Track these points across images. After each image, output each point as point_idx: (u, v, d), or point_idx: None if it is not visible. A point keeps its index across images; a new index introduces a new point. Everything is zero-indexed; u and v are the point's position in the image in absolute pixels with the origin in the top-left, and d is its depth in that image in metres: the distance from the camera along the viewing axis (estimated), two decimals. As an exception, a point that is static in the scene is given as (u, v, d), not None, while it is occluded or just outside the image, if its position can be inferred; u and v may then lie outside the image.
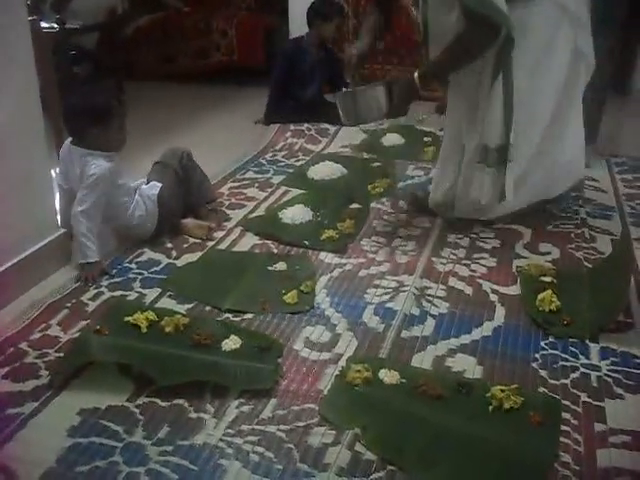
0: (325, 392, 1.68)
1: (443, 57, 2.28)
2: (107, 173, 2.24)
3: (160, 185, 2.46)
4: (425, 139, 3.63)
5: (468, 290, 2.17)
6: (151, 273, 2.25)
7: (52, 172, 2.26)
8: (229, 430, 1.54)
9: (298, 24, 4.19)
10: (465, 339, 1.91)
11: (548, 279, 2.19)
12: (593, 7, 2.88)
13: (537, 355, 1.84)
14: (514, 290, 2.16)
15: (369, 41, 2.86)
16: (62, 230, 2.29)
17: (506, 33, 2.17)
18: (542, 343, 1.89)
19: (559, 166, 2.59)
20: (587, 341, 1.90)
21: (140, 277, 2.22)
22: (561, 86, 2.44)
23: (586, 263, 2.36)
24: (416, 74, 2.28)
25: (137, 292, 2.13)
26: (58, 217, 2.33)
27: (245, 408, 1.62)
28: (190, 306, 2.06)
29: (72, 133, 2.32)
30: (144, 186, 2.46)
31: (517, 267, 2.30)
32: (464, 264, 2.32)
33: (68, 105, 2.38)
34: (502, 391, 1.63)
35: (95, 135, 2.25)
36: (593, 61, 2.48)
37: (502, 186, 2.42)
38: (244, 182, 3.09)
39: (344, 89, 2.56)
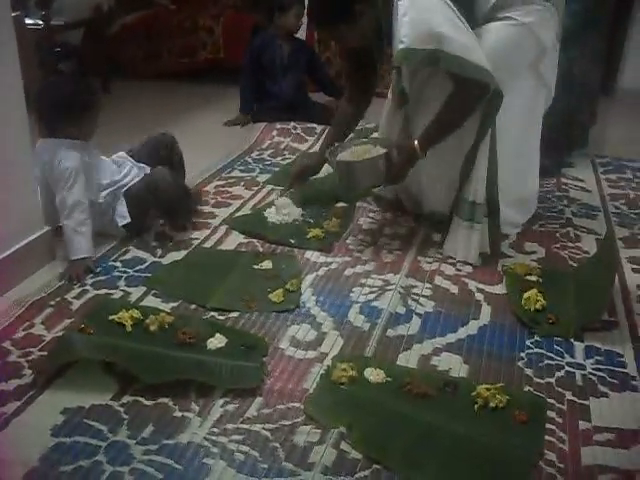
0: (310, 391, 1.67)
1: (438, 124, 2.24)
2: (79, 164, 2.23)
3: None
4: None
5: (454, 289, 2.17)
6: (136, 271, 2.23)
7: (36, 169, 2.24)
8: (214, 429, 1.54)
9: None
10: (451, 338, 1.91)
11: (533, 278, 2.20)
12: (580, 12, 2.92)
13: (522, 354, 1.84)
14: (500, 289, 2.17)
15: (317, 158, 2.81)
16: (46, 227, 2.27)
17: (494, 89, 2.14)
18: (527, 342, 1.90)
19: (520, 202, 2.55)
20: (572, 340, 1.91)
21: (125, 275, 2.20)
22: (524, 117, 2.41)
23: (571, 262, 2.37)
24: (416, 143, 2.24)
25: (122, 290, 2.12)
26: (42, 215, 2.30)
27: (230, 407, 1.61)
28: (175, 304, 2.05)
29: (44, 124, 2.32)
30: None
31: (503, 266, 2.31)
32: (450, 263, 2.33)
33: (40, 95, 2.34)
34: (487, 390, 1.64)
35: (65, 125, 2.26)
36: (553, 90, 2.46)
37: (497, 239, 2.36)
38: (230, 181, 3.08)
39: (339, 153, 2.41)
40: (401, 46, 2.15)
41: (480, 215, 2.29)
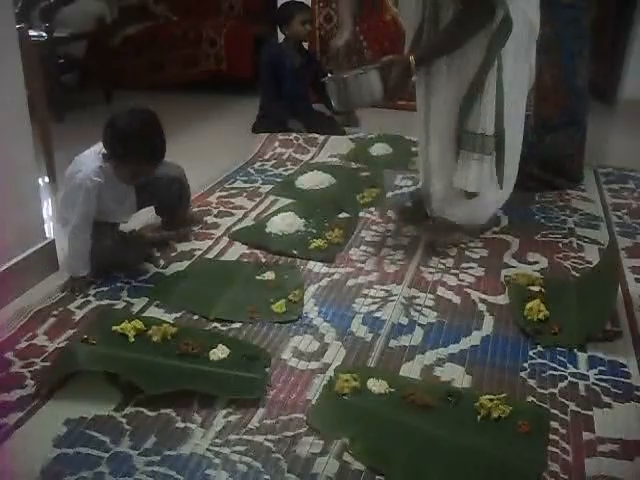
0: (313, 402, 1.67)
1: (439, 39, 2.27)
2: (95, 186, 2.14)
3: None
4: (413, 149, 3.63)
5: (456, 300, 2.17)
6: (139, 282, 2.24)
7: (39, 181, 2.24)
8: (216, 440, 1.54)
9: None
10: (454, 348, 1.91)
11: (536, 288, 2.19)
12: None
13: (525, 364, 1.84)
14: (502, 299, 2.17)
15: (350, 28, 2.75)
16: (49, 239, 2.27)
17: (503, 14, 2.14)
18: (530, 352, 1.89)
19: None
20: (575, 350, 1.90)
21: (127, 286, 2.20)
22: (515, 101, 2.39)
23: (574, 272, 2.36)
24: (411, 57, 2.24)
25: (124, 301, 2.12)
26: (45, 225, 2.31)
27: (233, 418, 1.61)
28: (178, 315, 2.05)
29: (105, 143, 2.16)
30: None
31: (505, 276, 2.31)
32: (452, 273, 2.33)
33: (115, 119, 2.12)
34: (490, 400, 1.63)
35: (110, 154, 2.15)
36: (538, 26, 2.35)
37: (501, 174, 2.40)
38: (232, 191, 3.08)
39: (332, 75, 2.40)
40: None
41: (490, 147, 2.33)
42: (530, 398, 1.71)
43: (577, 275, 2.34)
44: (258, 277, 2.27)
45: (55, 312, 2.04)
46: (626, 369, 1.83)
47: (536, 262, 2.43)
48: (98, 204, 2.18)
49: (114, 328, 1.89)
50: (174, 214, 2.59)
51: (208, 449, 1.51)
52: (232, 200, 2.97)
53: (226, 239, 2.57)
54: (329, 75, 2.43)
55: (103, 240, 2.22)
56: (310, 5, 4.31)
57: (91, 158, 2.19)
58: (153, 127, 2.14)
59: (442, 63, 2.32)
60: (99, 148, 2.18)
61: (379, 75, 2.25)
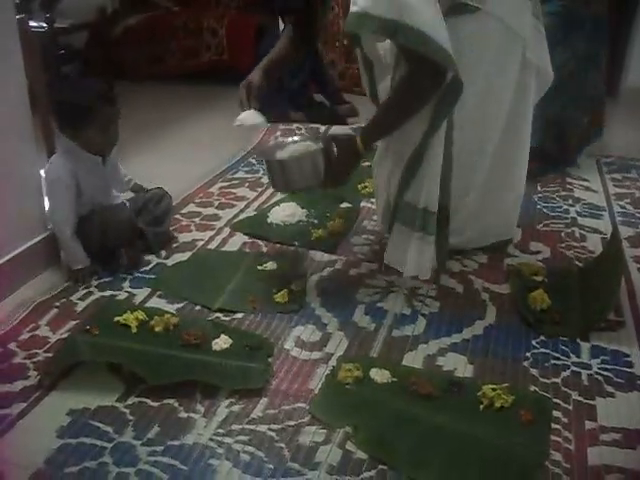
0: (316, 391, 1.67)
1: (385, 113, 1.99)
2: (66, 174, 2.15)
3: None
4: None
5: (459, 289, 2.17)
6: (141, 273, 2.24)
7: (41, 172, 2.24)
8: (219, 430, 1.54)
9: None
10: (456, 338, 1.91)
11: (539, 278, 2.19)
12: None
13: (528, 354, 1.84)
14: (505, 289, 2.16)
15: (265, 67, 2.51)
16: (50, 230, 2.27)
17: (452, 76, 1.86)
18: (533, 342, 1.89)
19: (510, 202, 2.37)
20: (578, 340, 1.90)
21: (130, 277, 2.20)
22: (509, 107, 2.15)
23: (577, 262, 2.36)
24: (359, 138, 1.96)
25: (127, 292, 2.12)
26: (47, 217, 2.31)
27: (235, 408, 1.61)
28: (180, 306, 2.05)
29: (57, 125, 2.22)
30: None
31: (508, 266, 2.30)
32: (455, 259, 2.32)
33: (55, 97, 2.27)
34: (493, 390, 1.63)
35: (73, 133, 2.16)
36: (550, 70, 2.22)
37: (444, 257, 2.15)
38: (234, 182, 3.08)
39: (268, 148, 2.15)
40: (353, 9, 1.81)
41: (433, 225, 2.04)
42: (533, 387, 1.71)
43: (580, 265, 2.34)
44: (260, 267, 2.27)
45: (57, 303, 2.04)
46: (629, 359, 1.83)
47: (539, 252, 2.43)
48: (79, 192, 2.18)
49: (116, 319, 1.89)
50: (159, 229, 2.45)
51: (211, 439, 1.51)
52: (234, 190, 2.97)
53: (227, 229, 2.57)
54: (264, 147, 2.18)
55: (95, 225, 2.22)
56: None
57: (56, 156, 2.22)
58: (85, 81, 2.28)
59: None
60: (63, 141, 2.20)
61: (323, 156, 1.98)
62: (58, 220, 2.18)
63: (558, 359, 1.82)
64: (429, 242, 2.06)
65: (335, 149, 2.00)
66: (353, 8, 1.81)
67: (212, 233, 2.54)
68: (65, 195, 2.16)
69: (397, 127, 1.96)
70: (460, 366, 1.79)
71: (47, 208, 2.24)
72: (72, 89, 2.23)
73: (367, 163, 3.24)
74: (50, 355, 1.79)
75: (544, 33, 2.20)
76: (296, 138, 2.23)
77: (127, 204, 2.37)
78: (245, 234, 2.53)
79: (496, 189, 2.24)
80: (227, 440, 1.51)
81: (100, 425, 1.54)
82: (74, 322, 1.95)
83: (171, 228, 2.51)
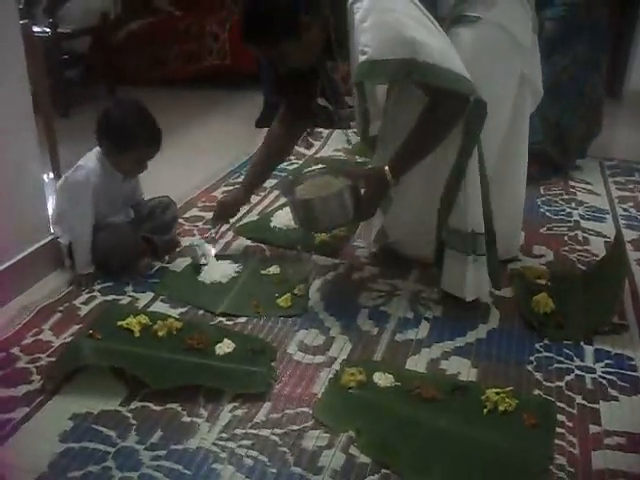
0: (319, 395, 1.67)
1: (413, 143, 1.90)
2: (92, 180, 2.16)
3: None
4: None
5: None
6: (144, 277, 2.23)
7: (44, 176, 2.24)
8: (223, 434, 1.54)
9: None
10: (459, 342, 1.91)
11: (542, 281, 2.19)
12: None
13: (532, 357, 1.84)
14: (508, 293, 2.16)
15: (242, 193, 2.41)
16: (54, 234, 2.27)
17: (475, 99, 1.82)
18: (537, 345, 1.89)
19: (510, 218, 2.30)
20: (581, 343, 1.90)
21: (133, 281, 2.20)
22: (509, 125, 2.11)
23: (580, 265, 2.36)
24: (387, 168, 1.90)
25: (130, 296, 2.12)
26: (50, 221, 2.31)
27: (239, 412, 1.61)
28: (183, 310, 2.05)
29: (97, 134, 2.20)
30: None
31: (511, 270, 2.30)
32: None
33: (111, 110, 2.19)
34: (497, 393, 1.63)
35: (108, 149, 2.18)
36: (541, 88, 2.19)
37: (499, 273, 2.07)
38: (237, 186, 3.06)
39: (296, 188, 2.04)
40: (363, 58, 1.78)
41: (483, 246, 1.98)
42: (536, 391, 1.70)
43: (583, 268, 2.33)
44: (263, 271, 2.27)
45: (60, 308, 2.04)
46: (633, 362, 1.83)
47: (542, 255, 2.43)
48: (96, 205, 2.19)
49: (119, 323, 1.89)
50: (165, 237, 2.43)
51: (214, 443, 1.51)
52: (237, 195, 2.97)
53: (231, 233, 2.57)
54: (285, 183, 2.09)
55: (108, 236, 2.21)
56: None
57: (87, 159, 2.21)
58: (145, 112, 2.19)
59: None
60: (94, 151, 2.22)
61: (350, 193, 1.92)
62: (79, 223, 2.18)
63: (562, 363, 1.82)
64: (482, 263, 2.00)
65: (363, 184, 1.97)
66: (362, 57, 1.78)
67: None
68: (89, 199, 2.17)
69: (425, 156, 1.91)
70: (464, 370, 1.79)
71: (58, 210, 2.23)
72: (130, 112, 2.19)
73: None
74: (53, 359, 1.79)
75: (538, 49, 2.17)
76: (314, 168, 2.13)
77: (132, 213, 2.37)
78: (248, 238, 2.53)
79: (496, 202, 2.10)
80: (230, 444, 1.50)
81: (103, 429, 1.54)
82: (77, 326, 1.95)
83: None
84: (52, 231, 2.28)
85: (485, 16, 1.94)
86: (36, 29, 3.68)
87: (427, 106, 1.86)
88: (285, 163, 3.34)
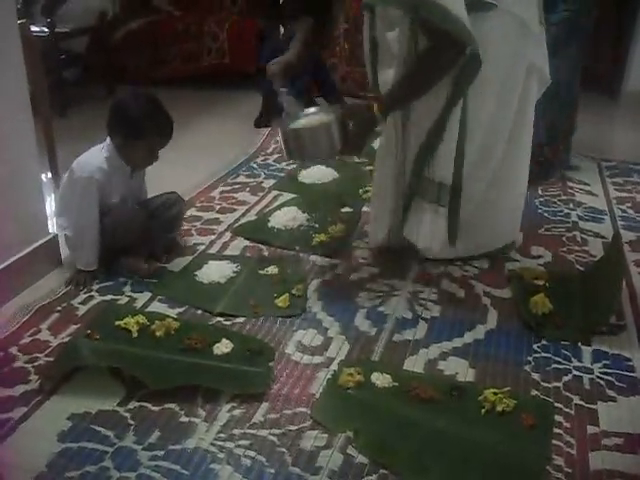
0: (317, 396, 1.67)
1: (405, 83, 1.99)
2: (96, 176, 2.16)
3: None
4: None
5: (460, 293, 2.16)
6: (142, 277, 2.23)
7: (42, 176, 2.24)
8: (221, 434, 1.54)
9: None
10: (457, 342, 1.91)
11: (540, 282, 2.19)
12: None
13: (529, 358, 1.84)
14: (506, 293, 2.16)
15: (298, 51, 2.34)
16: (52, 234, 2.27)
17: (471, 50, 1.91)
18: (534, 346, 1.89)
19: (514, 201, 2.39)
20: (579, 344, 1.90)
21: (130, 281, 2.20)
22: (515, 110, 2.18)
23: (578, 266, 2.36)
24: (376, 106, 1.97)
25: (128, 296, 2.12)
26: (48, 221, 2.31)
27: (237, 412, 1.61)
28: (181, 310, 2.04)
29: (107, 126, 2.21)
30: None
31: (509, 270, 2.30)
32: (456, 267, 2.32)
33: (118, 100, 2.23)
34: (494, 394, 1.64)
35: (120, 141, 2.18)
36: (548, 75, 2.25)
37: (455, 228, 2.17)
38: (235, 186, 3.08)
39: (288, 121, 2.08)
40: None
41: (446, 198, 2.10)
42: (534, 392, 1.70)
43: (581, 269, 2.34)
44: (261, 272, 2.27)
45: (58, 307, 2.04)
46: (631, 363, 1.83)
47: (540, 256, 2.43)
48: (102, 197, 2.19)
49: (117, 323, 1.89)
50: (169, 235, 2.44)
51: (212, 443, 1.51)
52: (235, 195, 2.97)
53: (229, 234, 2.57)
54: (282, 116, 2.16)
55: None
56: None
57: (92, 155, 2.21)
58: (158, 103, 2.23)
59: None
60: (100, 146, 2.21)
61: (338, 126, 1.98)
62: (85, 221, 2.18)
63: (560, 363, 1.82)
64: (442, 214, 2.09)
65: (351, 117, 2.02)
66: None
67: (213, 237, 2.54)
68: (95, 196, 2.17)
69: (414, 98, 2.00)
70: (461, 370, 1.79)
71: (63, 202, 2.23)
72: (143, 103, 2.21)
73: (369, 167, 3.25)
74: (51, 359, 1.79)
75: (545, 38, 2.22)
76: (311, 110, 2.19)
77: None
78: (246, 238, 2.53)
79: (502, 186, 2.26)
80: (228, 445, 1.51)
81: (101, 429, 1.54)
82: (75, 326, 1.95)
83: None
84: (54, 229, 2.28)
85: (500, 4, 1.99)
86: (34, 28, 3.67)
87: (425, 49, 1.93)
88: (284, 163, 3.36)
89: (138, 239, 2.27)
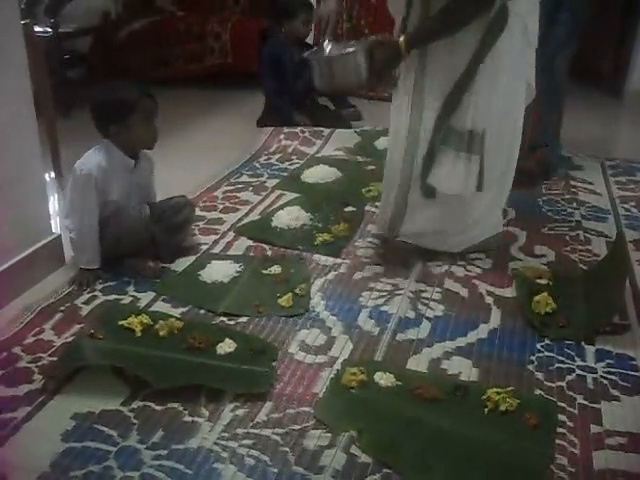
0: (320, 395, 1.67)
1: (432, 23, 2.09)
2: (95, 173, 2.16)
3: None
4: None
5: (464, 293, 2.16)
6: (146, 277, 2.23)
7: (46, 176, 2.24)
8: (224, 434, 1.54)
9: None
10: (461, 342, 1.91)
11: (544, 281, 2.19)
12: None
13: (533, 357, 1.84)
14: (510, 292, 2.16)
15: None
16: (55, 234, 2.28)
17: (500, 5, 2.00)
18: (538, 345, 1.89)
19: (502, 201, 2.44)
20: (583, 343, 1.90)
21: (134, 281, 2.20)
22: (503, 119, 2.20)
23: (581, 265, 2.36)
24: (402, 38, 2.07)
25: (131, 296, 2.12)
26: (52, 221, 2.31)
27: (240, 412, 1.61)
28: (184, 310, 2.05)
29: (97, 127, 2.23)
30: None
31: (512, 269, 2.30)
32: (460, 267, 2.32)
33: (98, 97, 2.25)
34: (498, 393, 1.63)
35: (117, 130, 2.19)
36: (534, 88, 2.28)
37: (483, 174, 2.18)
38: (238, 186, 3.08)
39: (315, 50, 2.20)
40: None
41: (478, 145, 2.13)
42: (538, 391, 1.70)
43: (585, 268, 2.33)
44: (264, 271, 2.27)
45: (62, 307, 2.04)
46: (634, 362, 1.83)
47: (543, 255, 2.43)
48: (104, 195, 2.19)
49: (121, 323, 1.90)
50: (177, 238, 2.43)
51: (216, 443, 1.51)
52: (238, 194, 2.97)
53: (232, 234, 2.57)
54: (312, 50, 2.26)
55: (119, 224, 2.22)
56: (315, 4, 4.21)
57: (91, 154, 2.21)
58: (125, 81, 2.34)
59: (434, 50, 2.13)
60: (98, 147, 2.22)
61: (365, 56, 2.08)
62: (84, 217, 2.18)
63: (563, 362, 1.82)
64: (475, 161, 2.15)
65: (378, 48, 2.09)
66: None
67: (216, 237, 2.54)
68: (93, 193, 2.17)
69: (440, 37, 2.07)
70: (465, 370, 1.79)
71: (68, 203, 2.22)
72: (114, 87, 2.28)
73: (371, 167, 3.25)
74: (55, 359, 1.79)
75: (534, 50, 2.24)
76: (340, 43, 2.28)
77: (148, 210, 2.36)
78: (249, 238, 2.53)
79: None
80: (232, 444, 1.51)
81: (105, 429, 1.54)
82: (79, 326, 1.95)
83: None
84: (58, 229, 2.28)
85: (513, 8, 2.04)
86: (38, 29, 3.68)
87: None
88: (287, 163, 3.36)
89: (141, 247, 2.27)
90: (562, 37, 2.89)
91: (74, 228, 2.20)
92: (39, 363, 1.78)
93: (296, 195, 2.93)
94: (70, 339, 1.88)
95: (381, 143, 3.60)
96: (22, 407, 1.61)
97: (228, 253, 2.42)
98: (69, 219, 2.23)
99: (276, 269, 2.27)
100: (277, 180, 3.15)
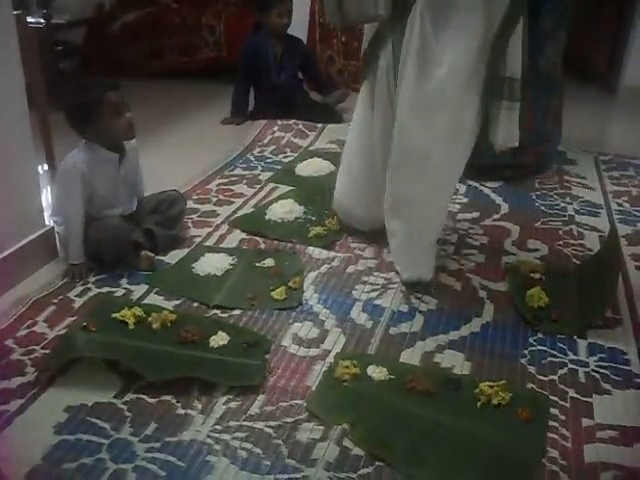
0: (313, 388, 1.67)
1: None
2: (79, 165, 2.14)
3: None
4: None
5: (457, 286, 2.17)
6: (138, 269, 2.23)
7: (39, 169, 2.23)
8: (217, 426, 1.54)
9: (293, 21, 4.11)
10: (454, 335, 1.91)
11: (537, 275, 2.20)
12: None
13: (525, 351, 1.84)
14: (503, 286, 2.17)
15: None
16: (48, 226, 2.27)
17: None
18: (530, 339, 1.90)
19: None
20: (575, 337, 1.90)
21: (127, 273, 2.20)
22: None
23: (574, 260, 2.36)
24: None
25: (124, 288, 2.12)
26: (44, 214, 2.31)
27: (233, 404, 1.61)
28: (178, 302, 2.04)
29: (74, 130, 2.20)
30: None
31: (506, 264, 2.31)
32: (453, 260, 2.32)
33: (64, 99, 2.22)
34: (490, 387, 1.64)
35: (91, 129, 2.16)
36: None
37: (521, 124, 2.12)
38: (232, 179, 3.07)
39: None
40: None
41: (517, 92, 2.06)
42: (530, 385, 1.71)
43: (577, 262, 2.34)
44: (258, 264, 2.27)
45: (55, 300, 2.04)
46: (626, 356, 1.84)
47: (536, 249, 2.44)
48: (90, 189, 2.17)
49: (114, 315, 1.89)
50: (170, 232, 2.42)
51: (208, 435, 1.51)
52: (232, 187, 2.97)
53: (226, 226, 2.57)
54: None
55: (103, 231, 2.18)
56: None
57: (76, 151, 2.19)
58: (85, 78, 2.29)
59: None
60: (80, 147, 2.20)
61: None
62: (68, 211, 2.17)
63: (555, 356, 1.82)
64: (516, 108, 2.08)
65: None
66: None
67: (210, 230, 2.54)
68: (78, 185, 2.14)
69: None
70: (458, 363, 1.79)
71: (55, 200, 2.21)
72: (77, 89, 2.23)
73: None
74: (47, 351, 1.78)
75: None
76: None
77: (135, 203, 2.35)
78: (243, 231, 2.53)
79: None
80: (224, 437, 1.51)
81: (97, 421, 1.54)
82: (72, 318, 1.94)
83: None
84: (50, 222, 2.27)
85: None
86: (30, 20, 3.66)
87: None
88: (281, 156, 3.36)
89: (123, 253, 2.24)
90: (548, 28, 2.89)
91: (62, 223, 2.20)
92: (32, 356, 1.77)
93: (290, 188, 2.93)
94: (63, 332, 1.87)
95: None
96: (15, 400, 1.61)
97: (222, 246, 2.42)
98: (57, 216, 2.22)
99: (269, 262, 2.27)
100: (271, 173, 3.14)
